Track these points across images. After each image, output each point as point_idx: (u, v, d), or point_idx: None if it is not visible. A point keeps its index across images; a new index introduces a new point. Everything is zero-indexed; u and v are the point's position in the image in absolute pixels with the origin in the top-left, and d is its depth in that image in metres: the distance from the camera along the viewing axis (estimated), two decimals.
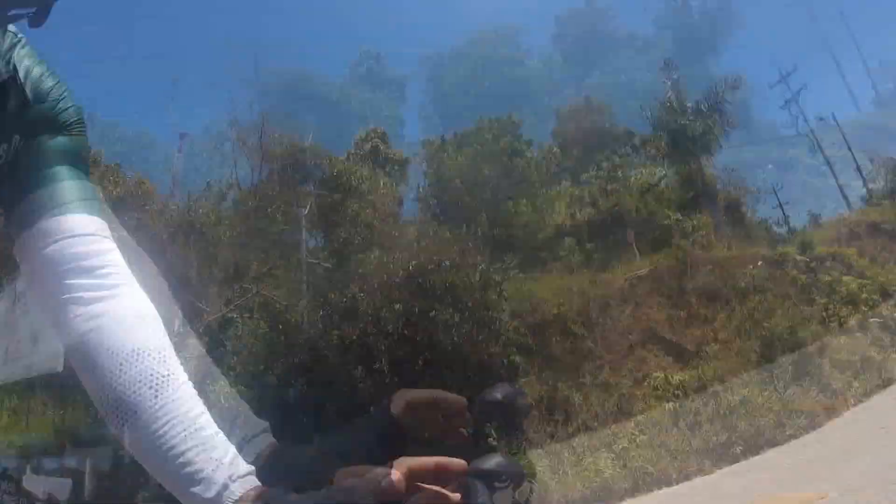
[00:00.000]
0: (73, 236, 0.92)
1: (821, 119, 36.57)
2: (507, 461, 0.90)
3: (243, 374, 12.89)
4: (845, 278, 18.07)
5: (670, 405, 13.59)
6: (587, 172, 27.41)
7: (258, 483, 0.81)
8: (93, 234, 0.94)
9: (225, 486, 0.79)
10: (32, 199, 0.94)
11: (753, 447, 13.06)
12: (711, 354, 14.99)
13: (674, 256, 16.40)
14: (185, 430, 0.81)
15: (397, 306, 13.46)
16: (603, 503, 11.25)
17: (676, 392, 13.91)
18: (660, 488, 11.69)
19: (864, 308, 17.65)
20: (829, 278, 17.84)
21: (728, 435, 13.25)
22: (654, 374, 14.43)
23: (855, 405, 14.86)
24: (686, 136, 21.98)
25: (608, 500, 11.32)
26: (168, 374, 0.85)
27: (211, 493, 0.78)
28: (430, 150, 26.99)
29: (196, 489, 0.78)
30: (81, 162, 1.02)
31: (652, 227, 24.42)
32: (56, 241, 0.91)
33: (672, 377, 14.27)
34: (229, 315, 14.49)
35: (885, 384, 15.75)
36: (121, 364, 0.84)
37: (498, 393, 0.89)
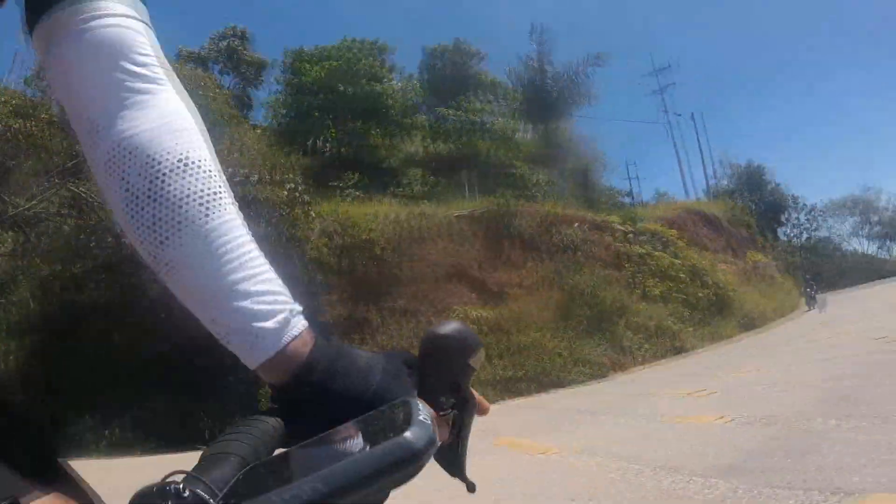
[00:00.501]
0: (113, 21, 0.75)
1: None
2: (465, 325, 0.74)
3: None
4: (658, 253, 19.01)
5: None
6: (446, 109, 27.38)
7: (308, 325, 0.72)
8: (136, 18, 0.77)
9: (286, 321, 0.69)
10: None
11: (537, 385, 13.58)
12: (514, 297, 15.45)
13: (498, 202, 16.79)
14: (239, 255, 0.70)
15: None
16: None
17: (474, 325, 14.25)
18: None
19: (670, 283, 18.65)
20: (643, 251, 18.68)
21: (514, 371, 13.72)
22: (455, 307, 14.76)
23: (641, 364, 15.64)
24: (543, 97, 22.66)
25: None
26: (218, 192, 0.72)
27: (270, 325, 0.68)
28: (288, 58, 26.49)
29: (250, 320, 0.68)
30: None
31: (500, 172, 25.29)
32: (92, 21, 0.74)
33: (472, 312, 14.63)
34: None
35: (676, 352, 16.70)
36: (164, 174, 0.70)
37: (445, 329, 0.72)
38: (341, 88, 25.76)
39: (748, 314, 22.19)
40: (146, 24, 0.78)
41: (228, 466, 0.56)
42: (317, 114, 24.00)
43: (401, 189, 24.37)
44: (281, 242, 12.94)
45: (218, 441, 0.60)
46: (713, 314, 19.96)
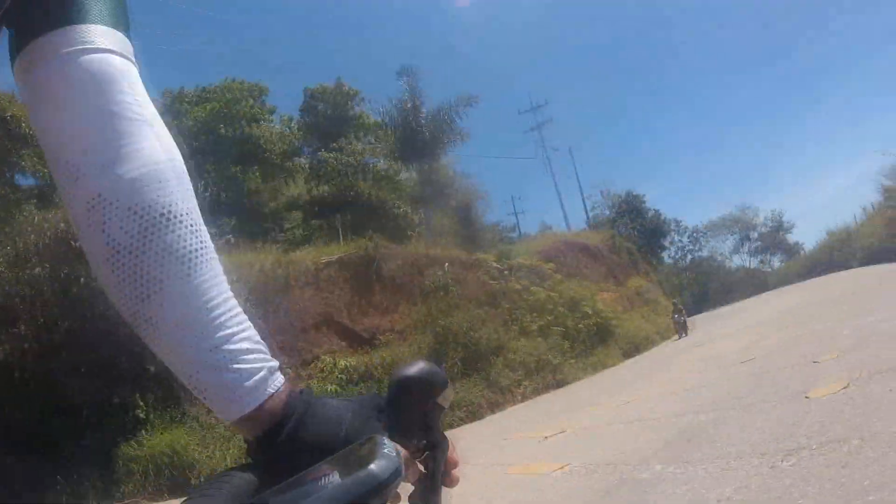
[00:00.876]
0: (97, 49, 0.70)
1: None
2: (432, 365, 0.82)
3: None
4: (534, 288, 19.05)
5: (332, 387, 13.49)
6: (326, 152, 27.26)
7: (286, 380, 0.73)
8: (123, 55, 0.73)
9: (263, 379, 0.70)
10: (50, 4, 0.70)
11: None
12: (385, 343, 15.06)
13: (365, 246, 16.45)
14: (220, 313, 0.70)
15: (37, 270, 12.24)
16: None
17: (341, 375, 13.83)
18: None
19: (548, 317, 18.68)
20: (519, 286, 18.69)
21: None
22: (324, 357, 14.27)
23: (522, 401, 15.49)
24: (417, 138, 22.81)
25: None
26: (201, 247, 0.71)
27: (248, 383, 0.69)
28: (167, 99, 25.47)
29: (230, 379, 0.68)
30: None
31: (382, 214, 25.16)
32: (76, 53, 0.69)
33: (340, 360, 14.17)
34: None
35: (558, 385, 16.66)
36: (147, 228, 0.68)
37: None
38: (222, 131, 25.13)
39: (631, 340, 22.61)
40: (132, 61, 0.75)
41: None
42: (198, 157, 23.21)
43: (282, 234, 23.89)
44: None
45: (190, 497, 0.61)
46: (595, 344, 20.16)
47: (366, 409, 0.74)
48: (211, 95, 26.77)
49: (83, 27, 0.70)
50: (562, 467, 6.38)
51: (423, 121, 23.40)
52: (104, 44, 0.71)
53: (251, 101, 27.56)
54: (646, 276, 33.29)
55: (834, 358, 7.76)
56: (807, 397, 6.12)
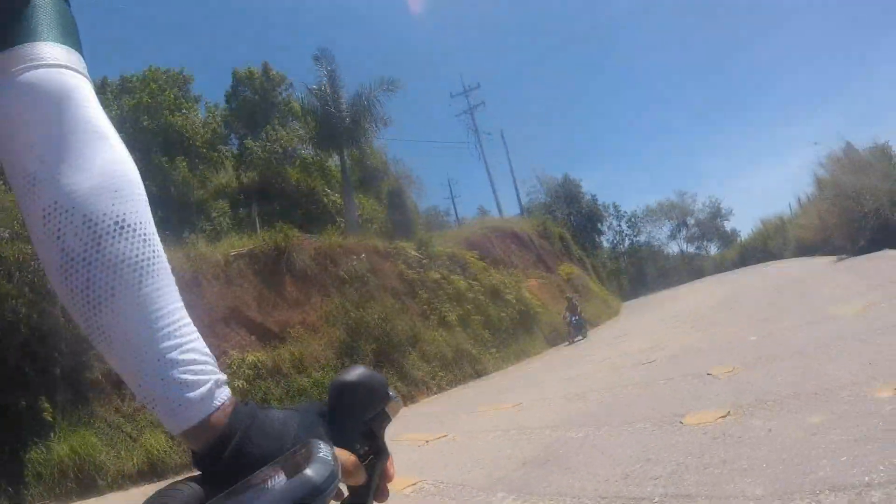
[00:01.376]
0: (52, 64, 0.73)
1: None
2: (371, 371, 0.75)
3: None
4: (454, 277, 18.71)
5: (240, 383, 12.94)
6: (252, 140, 26.44)
7: (231, 394, 0.74)
8: (76, 70, 0.75)
9: (210, 392, 0.71)
10: (3, 23, 0.73)
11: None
12: (295, 337, 14.56)
13: (275, 238, 15.80)
14: (169, 323, 0.71)
15: None
16: (157, 479, 10.34)
17: (249, 371, 13.29)
18: None
19: (468, 307, 18.37)
20: (438, 276, 18.31)
21: None
22: (231, 352, 13.68)
23: (437, 393, 15.21)
24: (336, 124, 22.26)
25: (164, 474, 10.44)
26: (153, 257, 0.73)
27: (194, 395, 0.70)
28: None
29: (176, 390, 0.69)
30: None
31: (310, 202, 24.61)
32: (34, 68, 0.72)
33: (248, 356, 13.60)
34: None
35: (477, 375, 16.44)
36: (100, 237, 0.70)
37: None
38: (145, 122, 24.13)
39: (557, 328, 22.46)
40: (85, 76, 0.77)
41: None
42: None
43: (209, 224, 23.15)
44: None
45: None
46: (518, 332, 19.98)
47: (310, 419, 0.73)
48: (133, 85, 25.66)
49: (39, 44, 0.73)
50: (414, 484, 6.20)
51: (343, 106, 22.60)
52: (58, 60, 0.74)
53: (175, 91, 26.46)
54: (578, 263, 33.22)
55: (728, 374, 7.59)
56: (681, 422, 5.81)
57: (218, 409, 0.71)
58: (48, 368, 10.68)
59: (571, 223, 44.01)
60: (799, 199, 36.40)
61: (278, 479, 0.60)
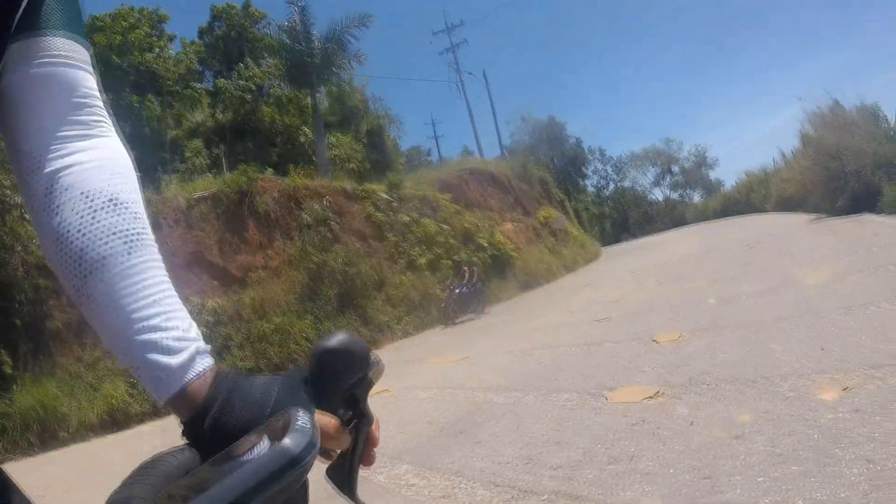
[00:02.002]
0: (61, 61, 0.78)
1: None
2: (353, 336, 0.74)
3: None
4: (425, 220, 18.08)
5: (201, 329, 12.34)
6: (224, 79, 25.48)
7: (214, 363, 0.76)
8: (82, 65, 0.81)
9: (191, 359, 0.73)
10: (16, 16, 0.76)
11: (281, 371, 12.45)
12: (257, 282, 14.06)
13: (237, 180, 15.05)
14: (154, 292, 0.75)
15: None
16: (118, 429, 9.95)
17: (209, 317, 12.78)
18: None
19: (438, 250, 17.80)
20: (408, 219, 17.66)
21: (256, 360, 12.49)
22: (192, 297, 13.11)
23: (403, 338, 14.82)
24: (309, 60, 21.26)
25: (126, 424, 10.02)
26: (142, 232, 0.78)
27: (174, 362, 0.72)
28: None
29: (158, 356, 0.72)
30: None
31: (286, 140, 23.82)
32: (43, 59, 0.77)
33: (208, 301, 13.06)
34: None
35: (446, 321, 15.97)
36: (95, 211, 0.75)
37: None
38: (114, 60, 23.01)
39: (532, 273, 21.99)
40: (89, 71, 0.82)
41: None
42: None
43: (184, 164, 22.33)
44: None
45: (120, 487, 0.61)
46: (491, 277, 19.49)
47: (292, 385, 0.73)
48: (105, 24, 24.35)
49: (49, 39, 0.77)
50: None
51: (314, 43, 21.57)
52: (67, 54, 0.78)
53: (147, 29, 25.18)
54: (559, 206, 32.52)
55: (673, 342, 7.26)
56: (606, 398, 5.28)
57: (199, 376, 0.72)
58: (9, 320, 10.46)
59: (554, 166, 43.19)
60: (783, 154, 35.65)
61: (258, 449, 0.58)
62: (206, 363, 0.74)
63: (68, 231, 0.73)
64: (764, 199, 40.26)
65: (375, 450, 0.79)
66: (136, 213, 0.77)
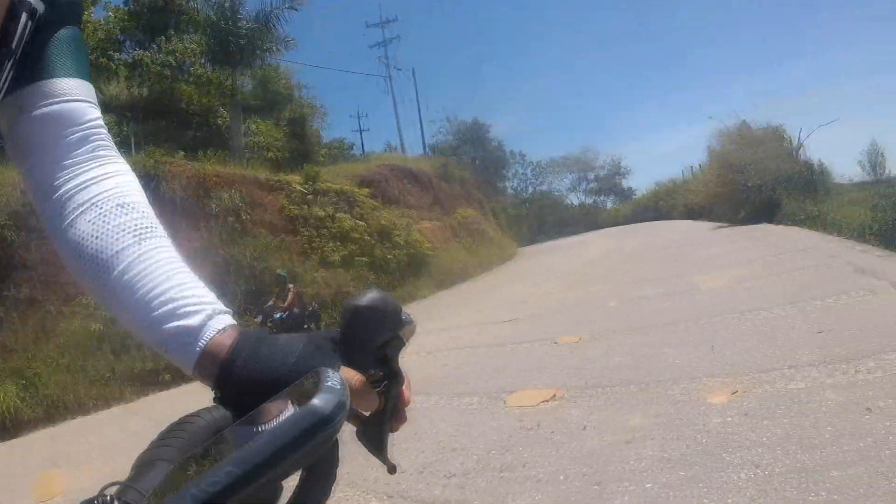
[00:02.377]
0: (68, 98, 0.85)
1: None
2: (385, 294, 0.73)
3: None
4: (340, 215, 17.72)
5: (98, 326, 11.72)
6: (143, 51, 24.25)
7: (236, 323, 0.76)
8: (86, 100, 0.87)
9: (209, 317, 0.74)
10: (36, 61, 0.85)
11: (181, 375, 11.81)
12: None
13: (144, 162, 14.32)
14: (167, 269, 0.77)
15: None
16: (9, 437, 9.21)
17: (99, 311, 12.02)
18: (73, 417, 10.00)
19: (353, 246, 17.48)
20: (323, 213, 17.25)
21: (156, 362, 11.83)
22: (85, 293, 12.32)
23: None
24: (235, 41, 20.49)
25: (18, 431, 9.27)
26: (151, 226, 0.82)
27: (194, 322, 0.73)
28: None
29: (177, 323, 0.73)
30: (77, 17, 0.92)
31: (204, 122, 22.96)
32: (50, 105, 0.84)
33: None
34: None
35: None
36: (104, 215, 0.80)
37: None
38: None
39: (448, 271, 21.88)
40: (93, 103, 0.89)
41: (157, 470, 0.59)
42: None
43: None
44: None
45: (148, 448, 0.63)
46: (406, 275, 19.24)
47: (318, 341, 0.72)
48: None
49: (56, 81, 0.84)
50: None
51: (241, 22, 20.80)
52: (72, 94, 0.85)
53: None
54: (478, 207, 32.63)
55: (573, 344, 7.11)
56: (505, 402, 5.19)
57: (221, 332, 0.73)
58: None
59: (476, 167, 43.29)
60: (692, 167, 37.17)
61: (289, 410, 0.59)
62: (226, 320, 0.75)
63: (83, 238, 0.78)
64: (672, 207, 41.80)
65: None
66: (143, 212, 0.82)
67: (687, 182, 38.76)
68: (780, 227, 17.75)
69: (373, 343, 0.70)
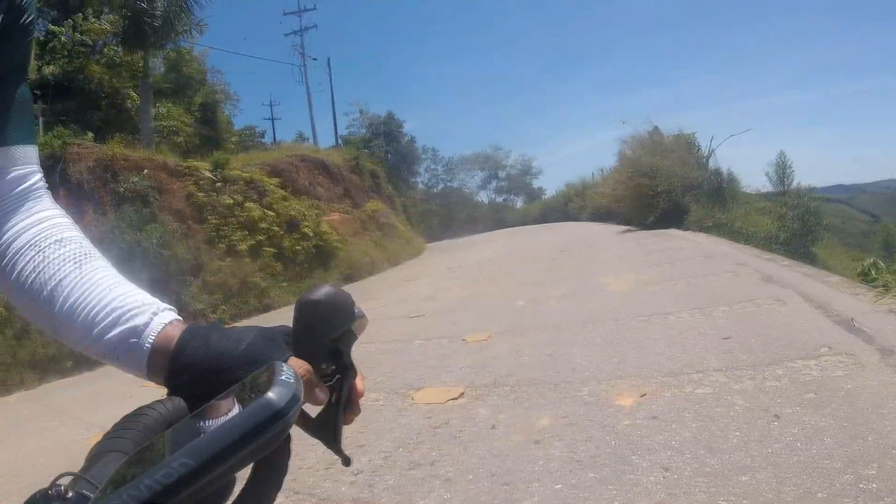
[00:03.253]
0: (22, 168, 0.92)
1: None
2: (338, 289, 0.74)
3: None
4: (249, 204, 17.23)
5: (1, 310, 11.00)
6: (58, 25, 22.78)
7: (176, 318, 0.81)
8: (31, 164, 0.94)
9: (153, 315, 0.78)
10: None
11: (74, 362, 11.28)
12: None
13: (50, 145, 13.51)
14: (108, 285, 0.81)
15: None
16: None
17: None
18: None
19: (261, 237, 17.02)
20: (231, 201, 16.69)
21: (59, 349, 11.21)
22: None
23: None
24: (146, 20, 19.58)
25: None
26: (88, 253, 0.86)
27: (139, 322, 0.76)
28: None
29: (121, 328, 0.76)
30: (25, 73, 0.95)
31: (112, 104, 21.77)
32: (5, 170, 0.89)
33: None
34: None
35: (265, 309, 15.31)
36: (43, 250, 0.84)
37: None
38: None
39: (355, 264, 21.65)
40: (37, 165, 0.95)
41: (110, 461, 0.58)
42: None
43: None
44: None
45: (102, 440, 0.62)
46: (314, 267, 18.95)
47: (271, 332, 0.73)
48: None
49: (19, 148, 0.90)
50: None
51: (156, 3, 19.89)
52: (29, 160, 0.92)
53: None
54: (388, 200, 32.40)
55: (480, 342, 7.37)
56: (412, 399, 5.10)
57: (167, 325, 0.76)
58: None
59: (388, 161, 43.10)
60: (602, 170, 37.95)
61: (241, 403, 0.58)
62: (171, 315, 0.79)
63: (27, 277, 0.82)
64: (581, 209, 42.75)
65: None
66: (80, 243, 0.87)
67: (596, 184, 39.61)
68: (688, 232, 18.35)
69: (326, 337, 0.71)
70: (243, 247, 16.58)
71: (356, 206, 26.99)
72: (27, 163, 0.92)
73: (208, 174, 17.16)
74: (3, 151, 0.88)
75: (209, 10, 20.95)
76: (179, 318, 0.79)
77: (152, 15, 20.48)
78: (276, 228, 18.08)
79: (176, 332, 0.75)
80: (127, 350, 0.74)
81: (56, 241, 0.85)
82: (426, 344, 7.75)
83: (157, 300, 0.81)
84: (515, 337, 7.22)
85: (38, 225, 0.87)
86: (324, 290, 0.71)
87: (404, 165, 50.36)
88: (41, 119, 18.99)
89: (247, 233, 16.98)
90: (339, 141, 41.19)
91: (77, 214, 14.41)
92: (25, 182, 0.90)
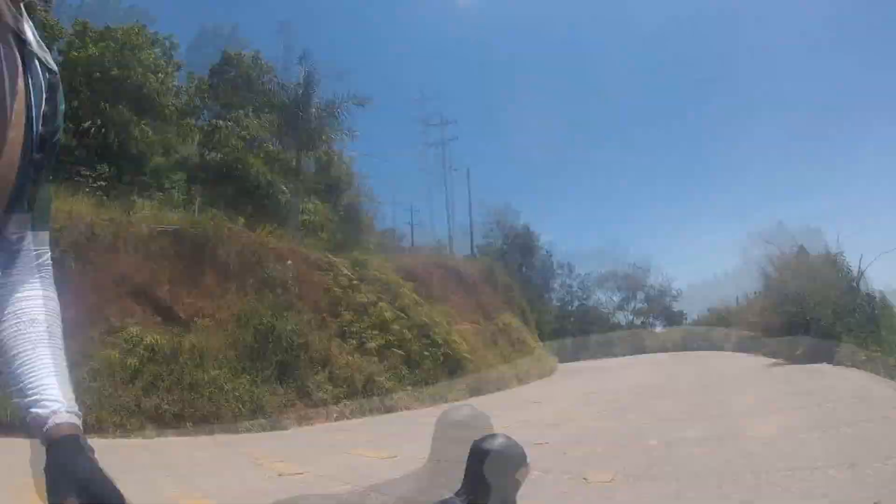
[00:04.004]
0: (41, 249, 1.19)
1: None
2: (512, 441, 0.89)
3: None
4: (383, 304, 17.67)
5: (132, 361, 11.90)
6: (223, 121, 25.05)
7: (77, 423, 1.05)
8: (46, 248, 1.21)
9: (53, 413, 1.02)
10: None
11: (207, 427, 12.05)
12: (202, 328, 13.72)
13: (204, 223, 14.66)
14: (46, 373, 1.07)
15: None
16: None
17: (145, 352, 12.19)
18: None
19: (391, 338, 17.30)
20: (366, 299, 17.21)
21: (183, 407, 12.13)
22: (130, 329, 12.50)
23: (339, 420, 14.12)
24: (303, 125, 21.44)
25: None
26: (50, 337, 1.12)
27: (45, 411, 1.02)
28: (79, 26, 22.69)
29: (32, 409, 1.03)
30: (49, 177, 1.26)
31: (266, 195, 23.40)
32: (29, 248, 1.18)
33: (147, 336, 12.52)
34: None
35: (386, 410, 15.36)
36: (18, 325, 1.10)
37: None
38: (114, 73, 22.20)
39: (483, 378, 21.41)
40: (48, 248, 1.22)
41: None
42: (89, 94, 20.21)
43: (161, 193, 21.70)
44: None
45: None
46: (440, 375, 18.91)
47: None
48: (112, 35, 23.70)
49: (42, 233, 1.20)
50: None
51: (311, 110, 21.81)
52: (45, 243, 1.20)
53: (156, 52, 24.73)
54: (520, 315, 32.23)
55: (604, 483, 6.73)
56: None
57: (55, 426, 1.03)
58: None
59: (522, 274, 43.28)
60: (746, 294, 36.10)
61: None
62: (65, 417, 1.04)
63: (3, 341, 1.10)
64: (724, 338, 40.53)
65: None
66: (48, 327, 1.13)
67: (741, 310, 37.61)
68: (840, 368, 16.93)
69: (497, 485, 0.75)
70: (373, 345, 16.89)
71: (488, 318, 27.04)
72: (44, 244, 1.20)
73: (346, 271, 17.89)
74: (34, 234, 1.17)
75: (360, 117, 22.66)
76: (74, 422, 1.04)
77: (307, 120, 22.33)
78: (406, 332, 18.33)
79: (58, 432, 1.01)
80: (30, 426, 1.02)
81: (31, 319, 1.11)
82: (543, 478, 7.09)
83: (67, 395, 1.07)
84: (642, 482, 6.70)
85: (27, 301, 1.13)
86: (500, 440, 0.75)
87: (539, 280, 50.37)
88: (198, 199, 20.68)
89: (377, 332, 17.36)
90: (475, 251, 42.05)
91: (220, 291, 15.35)
92: (38, 262, 1.18)
